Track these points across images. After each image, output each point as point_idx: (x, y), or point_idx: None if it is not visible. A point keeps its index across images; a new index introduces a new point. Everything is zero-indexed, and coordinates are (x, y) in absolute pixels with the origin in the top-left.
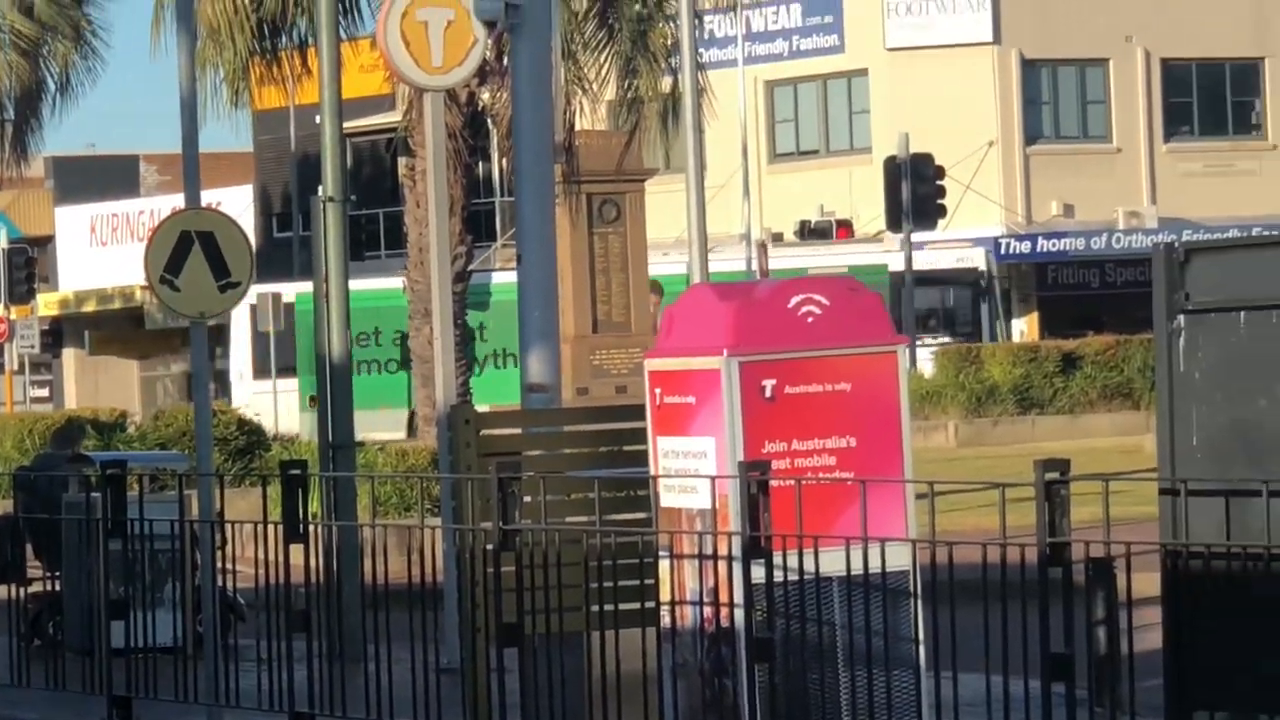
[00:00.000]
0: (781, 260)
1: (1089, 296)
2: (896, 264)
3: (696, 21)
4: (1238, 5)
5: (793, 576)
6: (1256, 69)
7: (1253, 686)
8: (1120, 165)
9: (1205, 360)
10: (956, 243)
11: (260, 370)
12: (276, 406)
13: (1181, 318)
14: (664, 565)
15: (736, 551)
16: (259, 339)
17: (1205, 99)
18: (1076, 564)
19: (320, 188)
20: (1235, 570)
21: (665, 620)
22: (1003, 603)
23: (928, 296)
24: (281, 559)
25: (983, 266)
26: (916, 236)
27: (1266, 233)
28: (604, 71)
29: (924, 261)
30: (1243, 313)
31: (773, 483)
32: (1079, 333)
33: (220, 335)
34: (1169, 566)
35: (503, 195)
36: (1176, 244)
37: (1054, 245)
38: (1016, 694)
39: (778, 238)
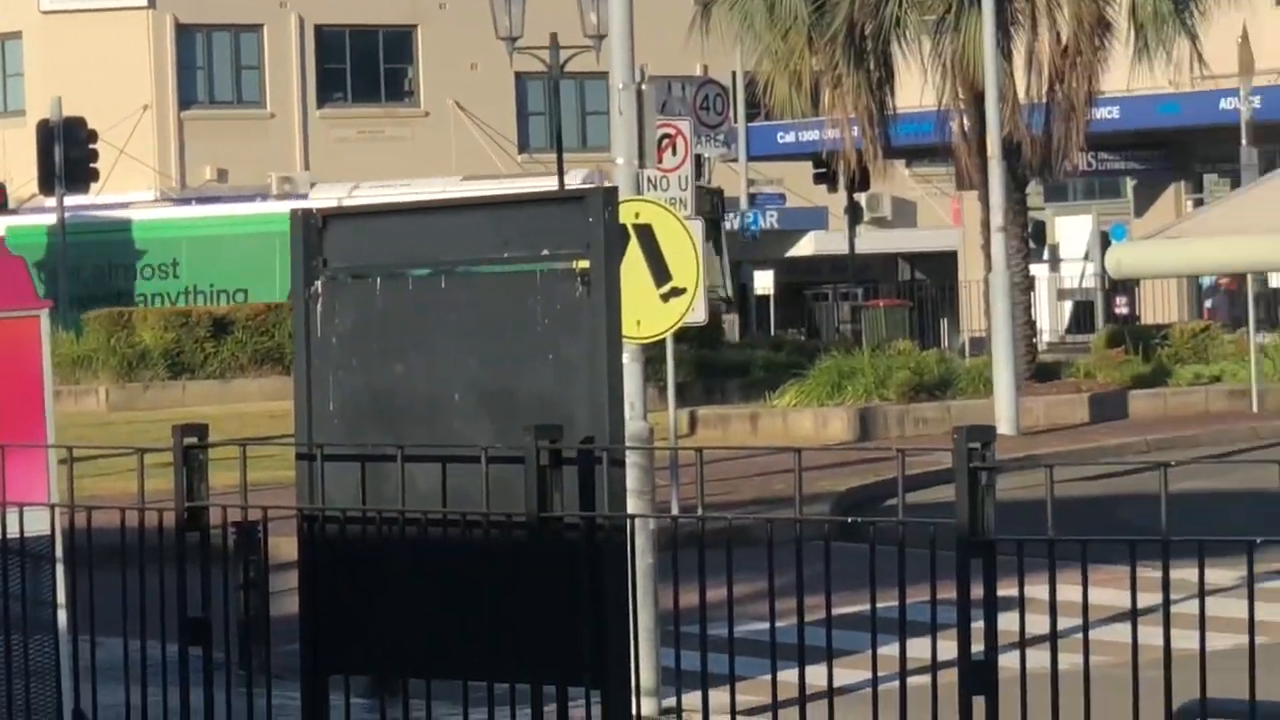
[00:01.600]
0: None
1: None
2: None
3: None
4: None
5: None
6: (409, 36)
7: (384, 649)
8: (274, 131)
9: (342, 325)
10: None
11: None
12: None
13: (319, 283)
14: None
15: None
16: None
17: (359, 66)
18: (216, 529)
19: None
20: (370, 534)
21: None
22: (140, 567)
23: None
24: None
25: None
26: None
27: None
28: None
29: None
30: (379, 279)
31: None
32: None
33: None
34: (305, 530)
35: None
36: (314, 210)
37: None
38: (155, 658)
39: None
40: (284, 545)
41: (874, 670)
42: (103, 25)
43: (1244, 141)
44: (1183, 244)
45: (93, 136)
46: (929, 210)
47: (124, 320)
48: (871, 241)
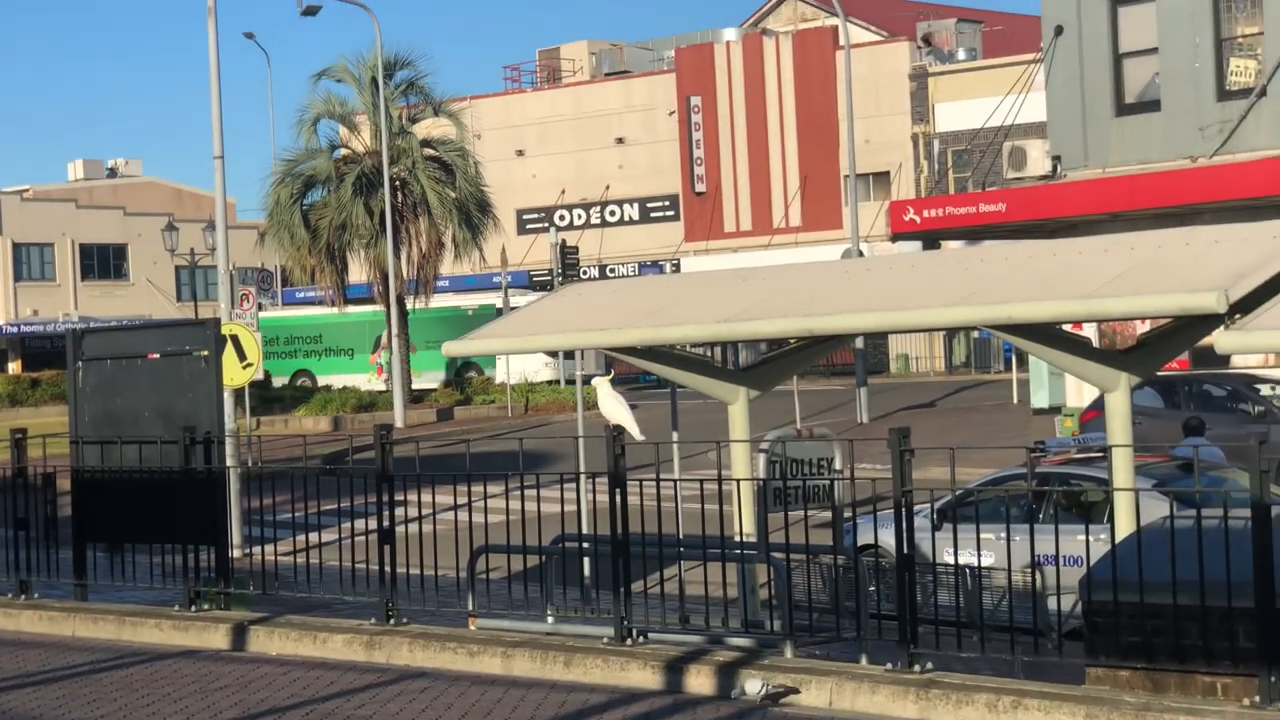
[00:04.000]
0: None
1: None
2: None
3: None
4: None
5: None
6: (125, 248)
7: (111, 529)
8: (59, 292)
9: (92, 381)
10: None
11: None
12: None
13: (80, 361)
14: None
15: None
16: None
17: (102, 260)
18: (33, 476)
19: None
20: (105, 479)
21: None
22: None
23: None
24: None
25: None
26: None
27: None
28: None
29: None
30: (108, 360)
31: None
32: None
33: None
34: (75, 477)
35: None
36: (78, 329)
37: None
38: (2, 536)
39: None
40: (64, 484)
41: (338, 533)
42: None
43: (502, 300)
44: (486, 341)
45: None
46: None
47: None
48: None
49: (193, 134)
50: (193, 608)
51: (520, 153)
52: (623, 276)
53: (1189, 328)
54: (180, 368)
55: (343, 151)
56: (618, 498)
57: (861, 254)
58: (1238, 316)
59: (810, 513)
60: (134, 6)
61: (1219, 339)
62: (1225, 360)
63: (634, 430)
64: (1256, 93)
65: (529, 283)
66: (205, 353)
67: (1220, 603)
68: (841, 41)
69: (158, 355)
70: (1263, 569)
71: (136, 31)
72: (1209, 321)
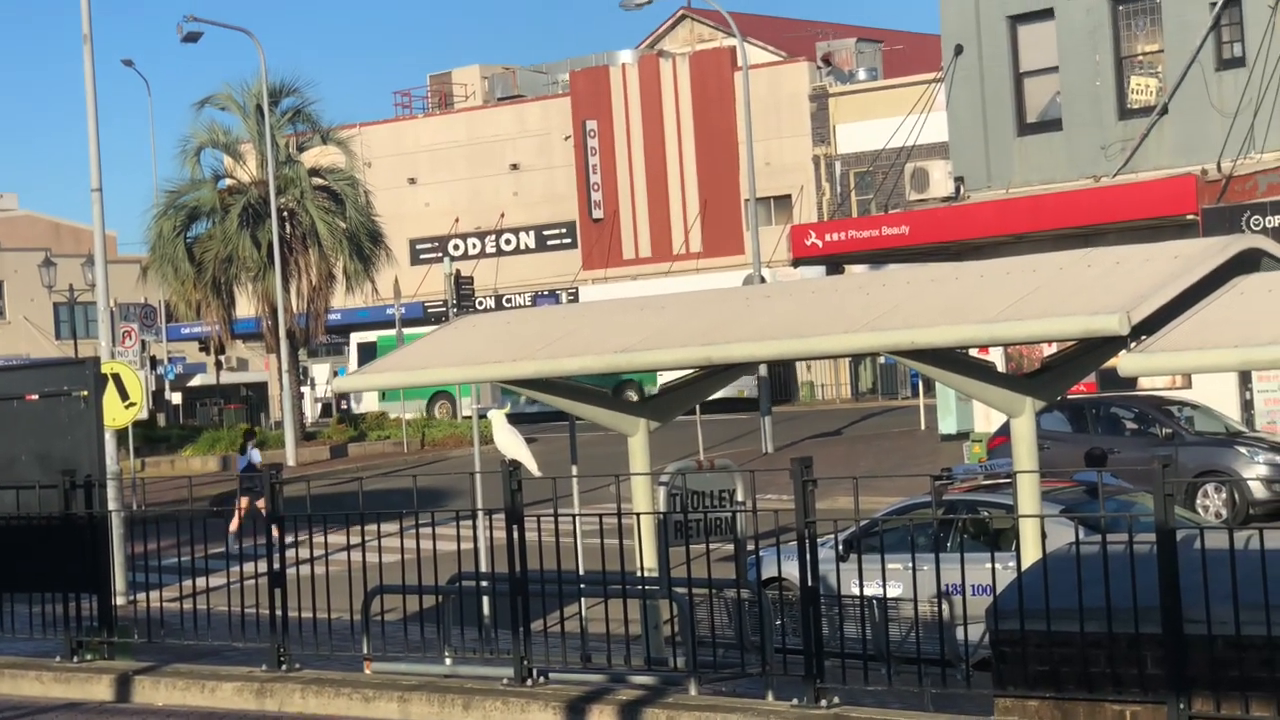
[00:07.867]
0: None
1: None
2: None
3: None
4: None
5: None
6: (1, 285)
7: None
8: None
9: None
10: None
11: None
12: None
13: None
14: None
15: None
16: None
17: None
18: None
19: None
20: None
21: None
22: None
23: None
24: None
25: None
26: None
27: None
28: None
29: None
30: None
31: None
32: None
33: None
34: None
35: None
36: None
37: None
38: None
39: None
40: None
41: (227, 577)
42: None
43: (398, 328)
44: (378, 375)
45: None
46: (255, 362)
47: None
48: (228, 377)
49: (70, 166)
50: (75, 658)
51: (412, 180)
52: (519, 307)
53: (1093, 350)
54: (59, 409)
55: (228, 182)
56: (515, 534)
57: (763, 280)
58: (1142, 338)
59: (713, 546)
60: (4, 32)
61: (1123, 361)
62: (1133, 383)
63: (531, 465)
64: (1158, 111)
65: (423, 314)
66: (85, 393)
67: (1128, 629)
68: (740, 62)
69: (35, 396)
70: (1170, 594)
71: (8, 59)
72: (1113, 344)
